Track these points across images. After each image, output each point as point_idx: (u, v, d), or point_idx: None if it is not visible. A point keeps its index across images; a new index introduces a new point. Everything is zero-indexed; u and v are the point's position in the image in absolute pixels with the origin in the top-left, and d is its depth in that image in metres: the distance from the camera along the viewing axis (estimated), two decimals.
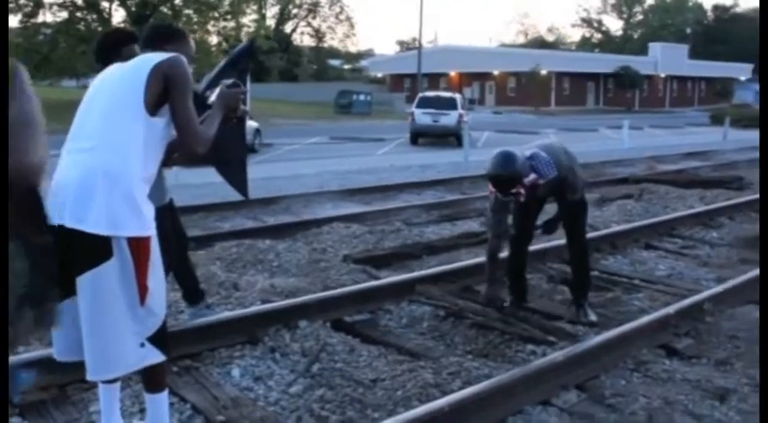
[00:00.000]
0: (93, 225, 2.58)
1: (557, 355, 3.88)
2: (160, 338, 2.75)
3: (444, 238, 7.37)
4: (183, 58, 2.83)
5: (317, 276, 5.81)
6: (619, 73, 58.76)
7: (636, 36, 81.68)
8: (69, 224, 2.58)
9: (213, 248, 6.52)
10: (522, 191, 4.34)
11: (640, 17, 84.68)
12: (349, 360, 4.04)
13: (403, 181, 12.33)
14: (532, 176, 4.37)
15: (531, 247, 5.16)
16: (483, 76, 57.74)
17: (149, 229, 2.71)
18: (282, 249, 6.52)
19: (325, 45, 64.85)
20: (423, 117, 23.26)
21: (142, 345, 2.70)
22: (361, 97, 44.80)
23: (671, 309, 4.74)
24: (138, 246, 2.65)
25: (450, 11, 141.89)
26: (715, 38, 75.17)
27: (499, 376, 3.63)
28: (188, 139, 2.80)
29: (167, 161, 3.12)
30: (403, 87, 58.45)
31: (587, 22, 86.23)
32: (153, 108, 2.72)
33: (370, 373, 3.88)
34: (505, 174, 4.31)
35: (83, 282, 2.60)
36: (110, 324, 2.62)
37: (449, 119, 22.93)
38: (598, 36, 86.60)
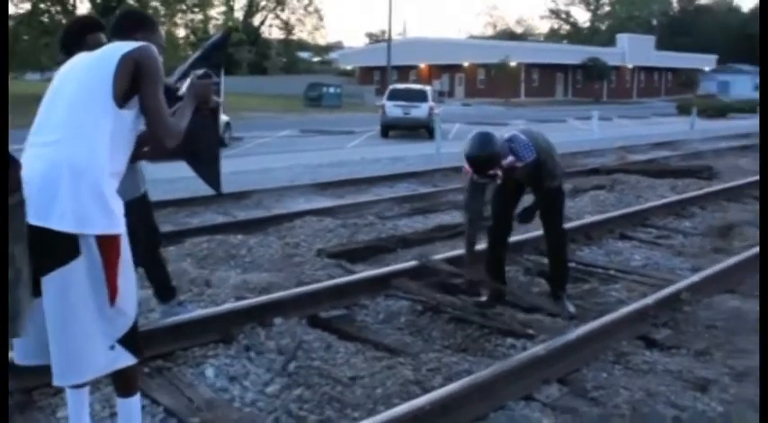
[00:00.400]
0: (58, 222, 2.45)
1: (538, 349, 3.82)
2: (131, 340, 2.64)
3: (418, 231, 7.30)
4: (155, 47, 2.70)
5: (291, 271, 5.70)
6: (587, 64, 59.18)
7: (603, 27, 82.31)
8: (33, 221, 2.45)
9: (184, 244, 6.38)
10: (499, 173, 4.28)
11: (608, 9, 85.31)
12: (326, 357, 3.95)
13: (375, 174, 12.23)
14: (510, 159, 4.31)
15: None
16: (452, 68, 57.74)
17: (119, 227, 2.58)
18: (254, 244, 6.39)
19: (294, 37, 64.36)
20: (393, 109, 23.19)
21: (112, 347, 2.58)
22: (331, 90, 44.57)
23: (649, 299, 4.71)
24: (107, 244, 2.53)
25: (418, 2, 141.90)
26: (680, 29, 76.05)
27: (480, 372, 3.56)
28: (158, 131, 2.68)
29: (137, 155, 2.99)
30: (372, 80, 58.27)
31: (555, 13, 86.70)
32: (122, 99, 2.59)
33: (349, 370, 3.79)
34: (483, 154, 4.26)
35: (48, 282, 2.48)
36: (78, 326, 2.50)
37: (419, 111, 22.90)
38: (566, 28, 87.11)
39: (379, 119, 24.00)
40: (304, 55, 68.64)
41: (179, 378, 3.65)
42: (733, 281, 5.49)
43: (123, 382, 2.76)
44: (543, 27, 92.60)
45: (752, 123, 24.78)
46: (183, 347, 3.97)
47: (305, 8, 61.72)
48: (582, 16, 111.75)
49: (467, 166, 4.39)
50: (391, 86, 26.16)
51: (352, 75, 64.50)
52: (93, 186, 2.51)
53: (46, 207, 2.45)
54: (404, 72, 55.91)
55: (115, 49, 2.65)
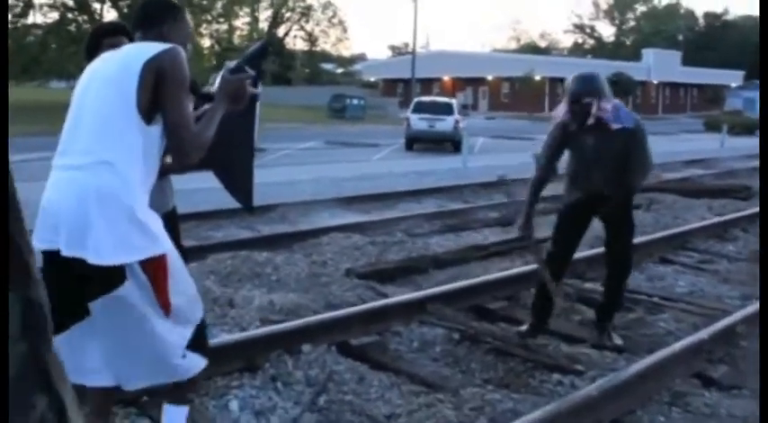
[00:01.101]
0: (95, 255, 2.22)
1: (590, 389, 3.51)
2: (199, 343, 2.54)
3: (450, 250, 7.00)
4: (181, 50, 2.42)
5: (319, 292, 5.43)
6: (612, 79, 58.64)
7: (628, 42, 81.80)
8: (67, 253, 2.23)
9: (206, 260, 6.12)
10: (593, 111, 4.13)
11: (633, 23, 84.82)
12: (359, 391, 3.67)
13: (401, 188, 11.96)
14: (609, 111, 4.16)
15: None
16: (476, 82, 57.53)
17: (162, 246, 2.35)
18: (281, 262, 6.13)
19: (318, 49, 64.41)
20: (418, 122, 22.92)
21: (183, 356, 2.46)
22: (355, 101, 44.40)
23: (704, 333, 4.39)
24: (153, 266, 2.31)
25: (442, 16, 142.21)
26: (706, 45, 75.35)
27: (529, 414, 3.25)
28: (180, 146, 2.41)
29: (164, 168, 2.73)
30: (396, 92, 58.17)
31: (580, 28, 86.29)
32: (149, 114, 2.34)
33: (384, 406, 3.51)
34: (588, 88, 4.19)
35: (98, 307, 2.31)
36: (145, 341, 2.38)
37: (445, 124, 22.61)
38: (590, 42, 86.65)
39: (403, 131, 23.76)
40: (328, 66, 68.66)
41: (201, 412, 3.39)
42: None
43: (180, 388, 2.61)
44: (567, 41, 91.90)
45: None
46: (206, 376, 3.70)
47: (329, 20, 61.78)
48: (606, 31, 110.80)
49: (559, 109, 4.29)
50: (416, 99, 25.90)
51: (376, 87, 64.43)
52: (127, 211, 2.29)
53: (80, 238, 2.23)
54: (427, 85, 55.74)
55: (137, 56, 2.38)
